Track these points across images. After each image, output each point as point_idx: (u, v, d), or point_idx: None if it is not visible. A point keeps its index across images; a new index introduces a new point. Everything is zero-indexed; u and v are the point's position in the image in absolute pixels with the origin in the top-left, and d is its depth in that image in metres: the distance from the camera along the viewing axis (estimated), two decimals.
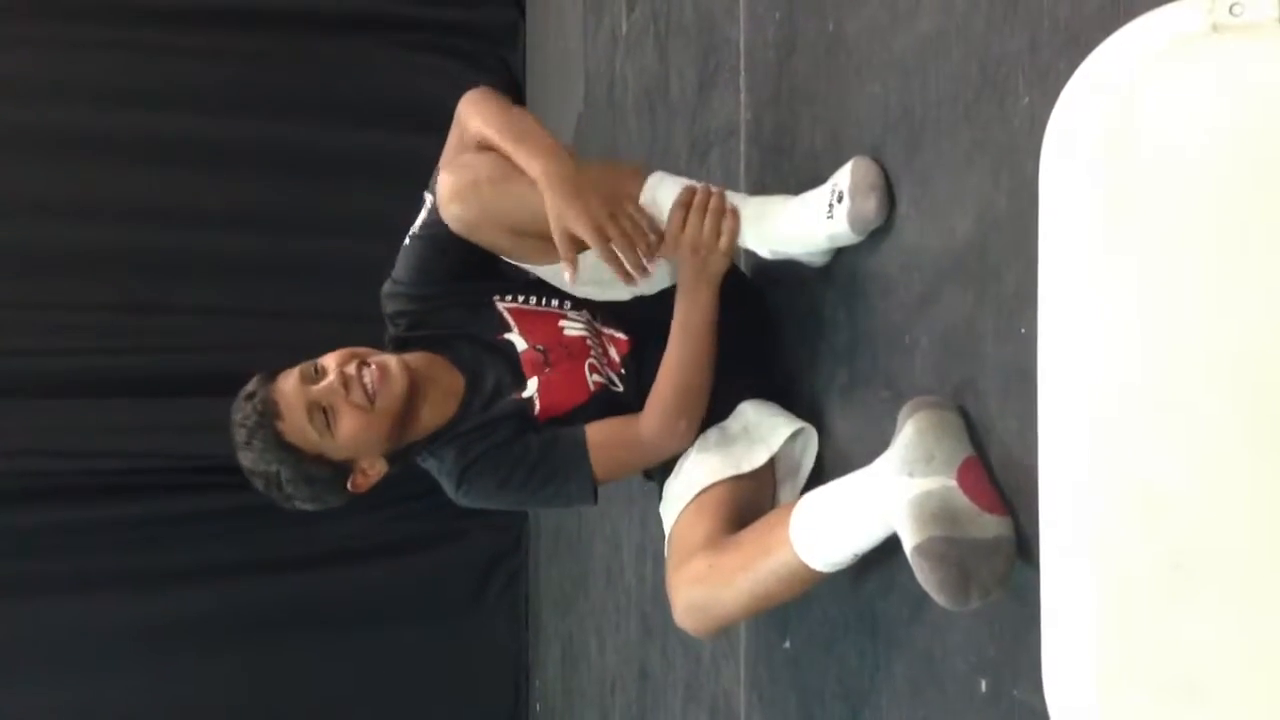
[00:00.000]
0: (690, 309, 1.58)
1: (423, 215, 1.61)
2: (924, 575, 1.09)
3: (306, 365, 1.57)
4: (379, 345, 1.69)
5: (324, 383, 1.54)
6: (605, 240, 1.48)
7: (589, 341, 1.66)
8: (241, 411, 1.56)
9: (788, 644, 1.71)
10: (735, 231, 1.52)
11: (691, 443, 1.62)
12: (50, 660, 3.49)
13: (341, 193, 3.74)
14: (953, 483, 1.12)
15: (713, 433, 1.63)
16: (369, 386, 1.54)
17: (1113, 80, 0.84)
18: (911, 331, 1.34)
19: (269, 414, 1.54)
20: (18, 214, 3.51)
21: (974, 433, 1.19)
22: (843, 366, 1.53)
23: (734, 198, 1.55)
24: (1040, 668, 0.90)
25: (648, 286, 1.62)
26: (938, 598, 1.08)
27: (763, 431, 1.59)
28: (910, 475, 1.15)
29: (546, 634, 3.72)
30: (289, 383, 1.55)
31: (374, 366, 1.55)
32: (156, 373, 3.56)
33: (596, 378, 1.65)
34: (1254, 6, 0.79)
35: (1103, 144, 0.84)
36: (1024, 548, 1.10)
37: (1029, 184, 0.92)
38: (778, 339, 1.73)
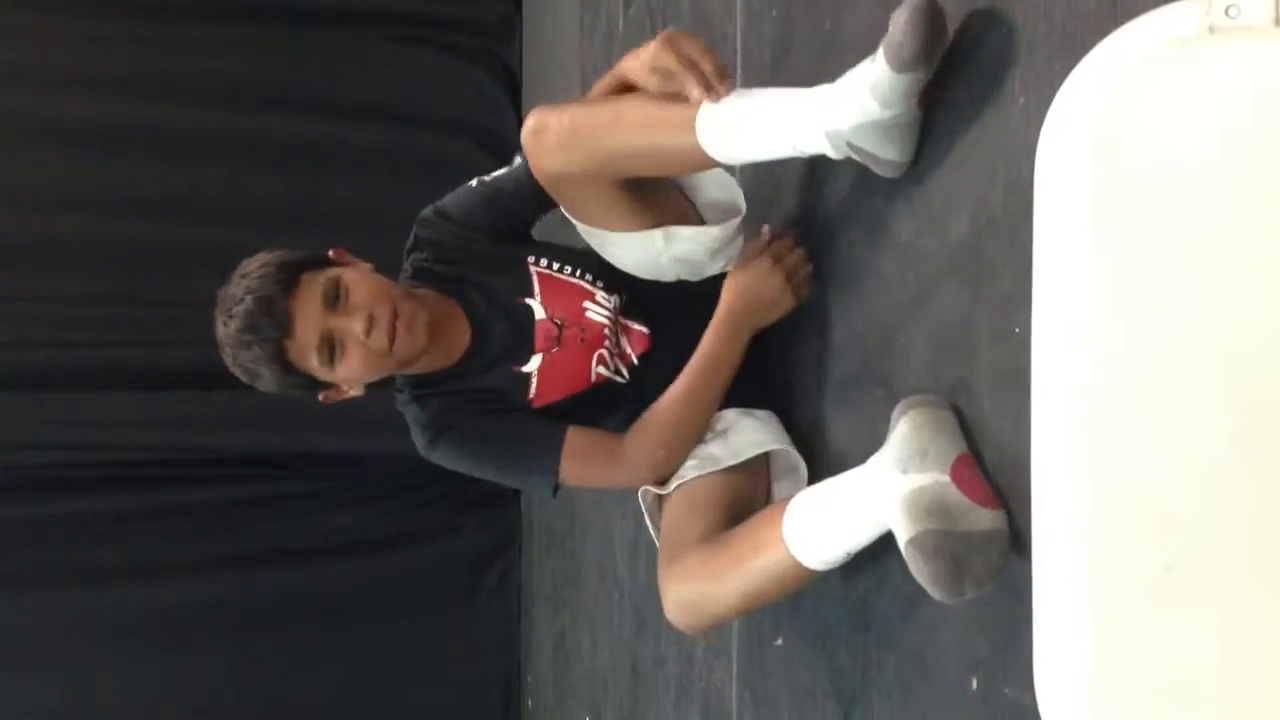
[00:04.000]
0: (720, 344, 1.56)
1: (504, 170, 1.60)
2: (918, 568, 1.09)
3: (329, 279, 1.49)
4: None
5: (348, 318, 1.48)
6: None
7: (606, 331, 1.63)
8: (249, 312, 1.48)
9: (780, 641, 1.71)
10: (811, 283, 1.56)
11: (662, 480, 1.58)
12: (43, 653, 3.48)
13: (335, 186, 3.73)
14: (946, 478, 1.12)
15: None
16: (393, 335, 1.49)
17: (1108, 82, 0.84)
18: (906, 331, 1.34)
19: (282, 329, 1.47)
20: (14, 206, 3.49)
21: (968, 431, 1.19)
22: (837, 366, 1.53)
23: (785, 92, 1.34)
24: (1031, 666, 0.91)
25: (693, 272, 1.61)
26: (932, 591, 1.09)
27: (758, 436, 1.59)
28: (904, 471, 1.15)
29: (539, 630, 3.71)
30: (310, 303, 1.48)
31: (404, 318, 1.50)
32: (151, 365, 3.55)
33: (602, 369, 1.63)
34: (1250, 9, 0.79)
35: (1098, 146, 0.84)
36: (1017, 546, 1.10)
37: (1024, 185, 0.92)
38: (772, 339, 1.73)
